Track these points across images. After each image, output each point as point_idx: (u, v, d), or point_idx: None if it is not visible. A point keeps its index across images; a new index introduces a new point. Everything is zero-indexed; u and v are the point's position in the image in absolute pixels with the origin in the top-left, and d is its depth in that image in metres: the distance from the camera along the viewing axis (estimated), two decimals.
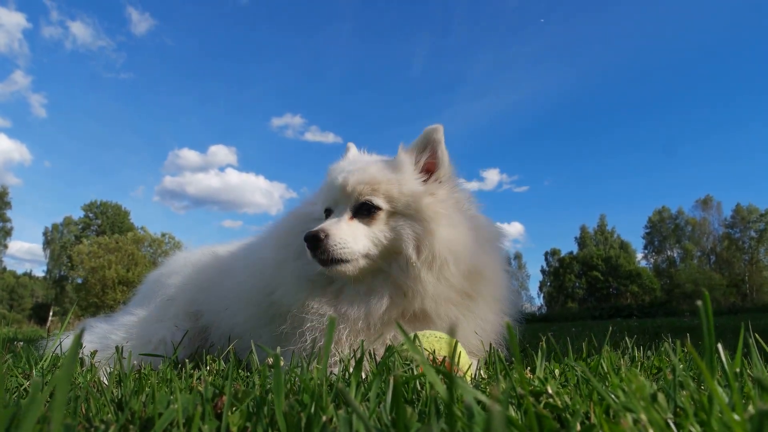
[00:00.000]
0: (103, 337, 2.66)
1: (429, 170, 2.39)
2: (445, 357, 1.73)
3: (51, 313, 54.86)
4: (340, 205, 2.33)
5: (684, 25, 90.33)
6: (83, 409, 1.20)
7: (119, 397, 1.36)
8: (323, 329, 2.13)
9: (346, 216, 2.27)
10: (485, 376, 1.80)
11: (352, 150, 2.74)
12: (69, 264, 50.94)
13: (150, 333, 2.65)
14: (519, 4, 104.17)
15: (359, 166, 2.41)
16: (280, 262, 2.42)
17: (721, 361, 1.06)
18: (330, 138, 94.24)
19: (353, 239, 2.18)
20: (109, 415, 1.17)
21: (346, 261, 2.17)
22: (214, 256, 3.09)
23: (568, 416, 1.04)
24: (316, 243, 2.14)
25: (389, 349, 1.53)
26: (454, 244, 2.17)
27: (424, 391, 1.27)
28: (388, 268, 2.22)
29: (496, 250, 2.42)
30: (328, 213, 2.39)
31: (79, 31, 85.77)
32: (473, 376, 1.79)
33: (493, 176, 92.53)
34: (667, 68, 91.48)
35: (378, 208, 2.25)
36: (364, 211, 2.27)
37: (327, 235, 2.15)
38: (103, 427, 0.93)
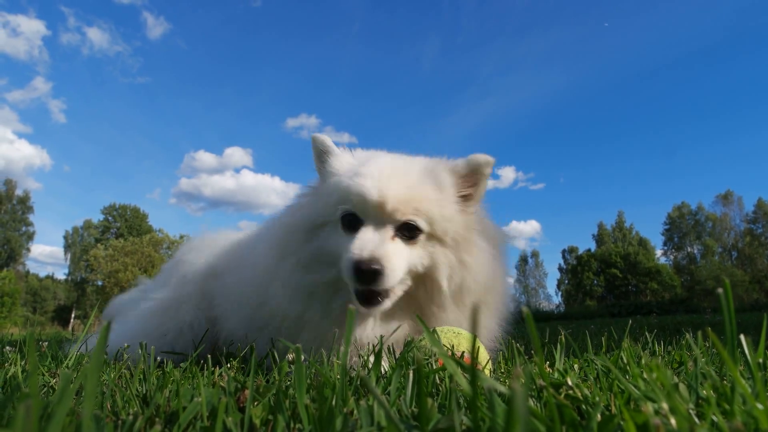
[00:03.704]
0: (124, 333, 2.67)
1: (464, 197, 2.17)
2: (464, 352, 1.74)
3: (73, 316, 55.84)
4: (373, 218, 1.99)
5: (707, 18, 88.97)
6: (109, 405, 1.23)
7: (144, 392, 1.39)
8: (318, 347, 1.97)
9: (388, 235, 1.96)
10: (503, 371, 1.80)
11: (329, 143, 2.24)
12: (89, 267, 51.72)
13: (167, 321, 2.59)
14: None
15: (398, 177, 2.02)
16: (275, 274, 2.20)
17: (744, 353, 1.05)
18: (345, 138, 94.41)
19: (399, 267, 1.90)
20: (135, 408, 1.19)
21: (389, 295, 1.94)
22: (227, 241, 2.95)
23: (589, 408, 1.04)
24: (375, 277, 1.81)
25: (408, 344, 1.54)
26: (481, 274, 2.05)
27: (443, 385, 1.28)
28: (414, 290, 2.05)
29: (503, 257, 2.33)
30: (351, 219, 2.02)
31: (96, 37, 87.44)
32: (491, 370, 1.80)
33: (508, 174, 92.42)
34: (684, 63, 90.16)
35: (421, 231, 2.00)
36: (406, 231, 1.99)
37: (383, 267, 1.82)
38: (130, 419, 0.95)
